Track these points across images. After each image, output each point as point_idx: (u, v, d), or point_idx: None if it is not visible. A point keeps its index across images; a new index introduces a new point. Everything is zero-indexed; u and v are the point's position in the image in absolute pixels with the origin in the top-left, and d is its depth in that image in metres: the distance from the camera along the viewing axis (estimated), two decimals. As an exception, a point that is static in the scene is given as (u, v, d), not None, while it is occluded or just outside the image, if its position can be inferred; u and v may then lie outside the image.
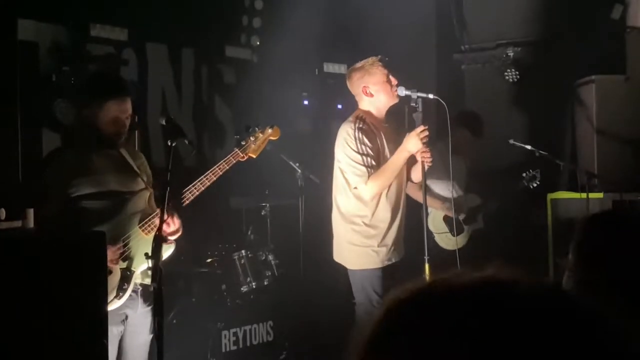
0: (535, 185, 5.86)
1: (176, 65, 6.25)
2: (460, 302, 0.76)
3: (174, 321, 4.79)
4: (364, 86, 4.63)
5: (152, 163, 4.16)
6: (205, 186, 3.86)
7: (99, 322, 3.01)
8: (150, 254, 3.38)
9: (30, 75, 4.97)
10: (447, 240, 5.60)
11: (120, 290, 3.70)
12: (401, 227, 4.71)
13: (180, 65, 6.28)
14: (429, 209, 5.29)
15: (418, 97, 4.38)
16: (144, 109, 5.78)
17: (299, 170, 5.64)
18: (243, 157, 4.06)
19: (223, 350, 4.95)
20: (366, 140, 4.51)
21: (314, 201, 5.63)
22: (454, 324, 0.74)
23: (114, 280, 3.65)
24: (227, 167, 3.95)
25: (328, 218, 4.77)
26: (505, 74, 7.14)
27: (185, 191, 3.81)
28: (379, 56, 4.65)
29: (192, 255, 5.15)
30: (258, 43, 6.68)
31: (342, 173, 4.60)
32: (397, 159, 4.53)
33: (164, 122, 3.69)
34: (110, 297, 3.57)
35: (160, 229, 3.40)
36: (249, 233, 5.64)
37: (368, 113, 4.64)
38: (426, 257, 4.34)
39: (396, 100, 4.64)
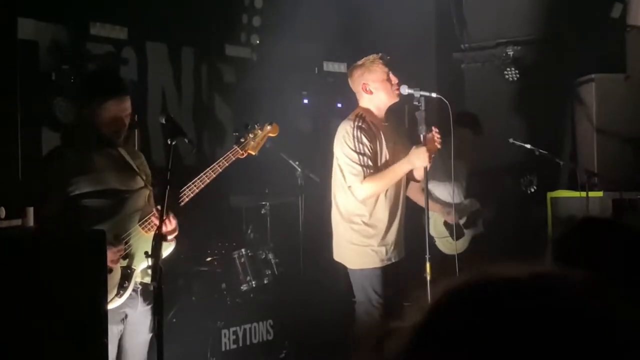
0: (532, 190, 5.87)
1: (176, 64, 6.24)
2: (513, 295, 0.77)
3: (174, 320, 4.79)
4: (364, 83, 4.62)
5: (152, 162, 4.16)
6: (205, 184, 3.86)
7: (99, 321, 3.00)
8: (150, 253, 3.38)
9: (30, 74, 4.97)
10: (448, 245, 5.60)
11: (121, 288, 3.69)
12: (401, 226, 4.70)
13: (180, 64, 6.28)
14: (431, 214, 5.28)
15: (421, 95, 4.36)
16: (143, 108, 5.78)
17: (299, 169, 5.64)
18: (242, 154, 4.04)
19: (223, 349, 4.95)
20: (364, 139, 4.50)
21: (313, 200, 5.63)
22: (507, 318, 0.74)
23: (114, 279, 3.65)
24: (227, 165, 3.94)
25: (328, 217, 4.77)
26: (505, 73, 7.14)
27: (183, 190, 3.80)
28: (380, 54, 4.65)
29: (192, 254, 5.14)
30: (258, 42, 6.67)
31: (341, 171, 4.59)
32: (399, 169, 4.51)
33: (163, 121, 3.69)
34: (110, 296, 3.56)
35: (160, 227, 3.40)
36: (249, 232, 5.64)
37: (368, 111, 4.63)
38: (427, 256, 4.33)
39: (396, 99, 4.63)
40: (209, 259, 5.28)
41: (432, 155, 4.46)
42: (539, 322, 0.73)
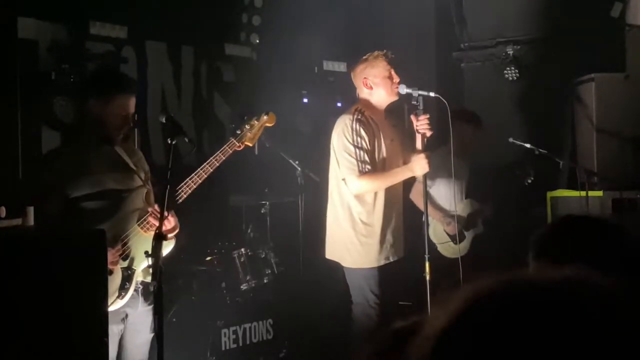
0: (529, 181, 5.86)
1: (176, 63, 6.24)
2: (543, 300, 0.75)
3: (174, 319, 4.79)
4: (365, 77, 4.64)
5: (151, 161, 4.15)
6: (202, 179, 3.80)
7: (100, 320, 3.00)
8: (150, 252, 3.37)
9: (30, 74, 4.96)
10: (449, 249, 5.60)
11: (122, 290, 3.68)
12: (399, 225, 4.69)
13: (180, 63, 6.28)
14: (431, 219, 5.28)
15: (419, 95, 4.38)
16: (143, 107, 5.78)
17: (299, 168, 5.64)
18: (239, 146, 3.99)
19: (223, 348, 4.95)
20: (363, 133, 4.49)
21: (313, 199, 5.63)
22: (537, 323, 0.73)
23: (115, 281, 3.63)
24: (223, 158, 3.88)
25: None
26: (505, 72, 7.15)
27: (181, 186, 3.75)
28: (385, 51, 4.66)
29: (192, 254, 5.14)
30: (257, 41, 6.67)
31: (337, 164, 4.58)
32: (399, 175, 4.54)
33: (164, 120, 3.68)
34: (112, 298, 3.56)
35: (160, 227, 3.39)
36: (249, 231, 5.64)
37: (367, 106, 4.63)
38: (427, 256, 4.33)
39: (396, 98, 4.64)
40: (208, 258, 5.28)
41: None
42: (570, 328, 0.72)
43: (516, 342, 0.72)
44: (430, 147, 4.60)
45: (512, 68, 7.10)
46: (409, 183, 5.01)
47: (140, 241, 3.73)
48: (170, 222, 3.68)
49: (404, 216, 4.79)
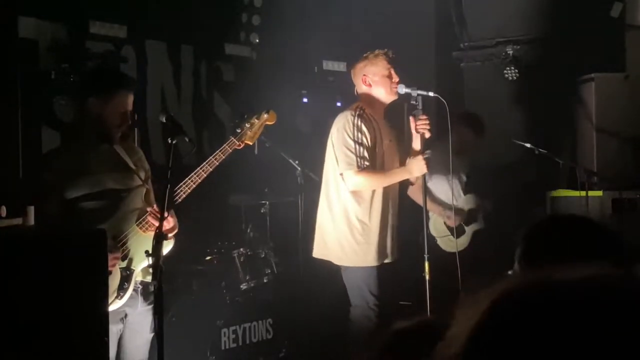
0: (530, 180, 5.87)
1: (175, 63, 6.24)
2: (578, 299, 0.75)
3: (173, 319, 4.78)
4: (364, 75, 4.64)
5: (151, 160, 4.14)
6: (202, 178, 3.79)
7: (100, 320, 3.00)
8: (150, 252, 3.36)
9: (30, 73, 4.96)
10: (449, 243, 5.60)
11: (121, 290, 3.68)
12: (395, 224, 4.68)
13: (180, 63, 6.27)
14: (430, 213, 5.28)
15: (418, 94, 4.37)
16: (143, 107, 5.77)
17: (299, 168, 5.64)
18: (239, 145, 3.97)
19: (222, 347, 4.95)
20: (364, 129, 4.48)
21: (313, 199, 5.62)
22: (567, 323, 0.73)
23: (114, 281, 3.62)
24: (223, 157, 3.86)
25: (327, 216, 4.76)
26: (505, 72, 7.15)
27: (180, 186, 3.73)
28: (385, 50, 4.66)
29: (192, 253, 5.14)
30: (257, 40, 6.67)
31: (336, 160, 4.57)
32: (397, 176, 4.54)
33: (164, 120, 3.67)
34: (111, 298, 3.55)
35: (160, 227, 3.38)
36: (249, 231, 5.63)
37: (367, 104, 4.62)
38: (426, 256, 4.33)
39: (395, 97, 4.63)
40: (208, 257, 5.28)
41: (428, 157, 4.46)
42: (600, 326, 0.71)
43: (547, 342, 0.72)
44: (428, 143, 4.59)
45: (512, 68, 7.11)
46: (405, 181, 5.01)
47: (139, 241, 3.72)
48: (170, 222, 3.66)
49: (401, 215, 4.77)
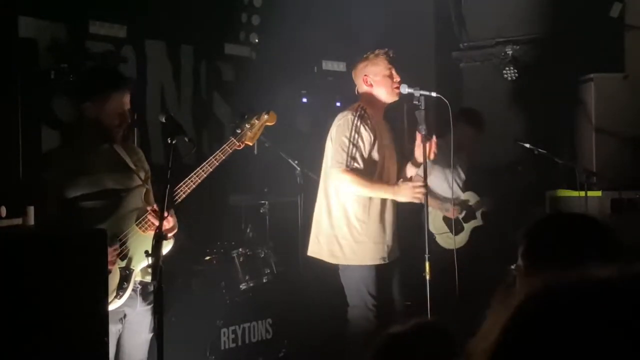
0: (531, 181, 5.87)
1: (175, 63, 6.24)
2: (608, 300, 0.75)
3: (173, 319, 4.78)
4: (365, 75, 4.64)
5: (151, 161, 4.14)
6: (202, 178, 3.77)
7: (100, 320, 3.00)
8: (150, 252, 3.36)
9: (30, 73, 4.96)
10: (448, 240, 5.61)
11: (121, 289, 3.67)
12: (394, 225, 4.67)
13: (179, 63, 6.28)
14: (430, 209, 5.27)
15: (421, 95, 4.35)
16: (142, 107, 5.78)
17: (298, 168, 5.64)
18: (239, 145, 3.95)
19: (222, 347, 4.95)
20: (362, 130, 4.47)
21: (312, 199, 5.62)
22: (595, 321, 0.73)
23: (113, 280, 3.62)
24: (223, 157, 3.84)
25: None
26: (504, 72, 7.15)
27: (180, 186, 3.71)
28: (386, 50, 4.66)
29: (191, 253, 5.14)
30: (257, 40, 6.68)
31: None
32: (381, 191, 4.51)
33: (164, 120, 3.67)
34: (110, 298, 3.55)
35: (160, 227, 3.38)
36: (248, 231, 5.64)
37: (368, 104, 4.62)
38: (427, 256, 4.33)
39: (396, 98, 4.63)
40: (208, 258, 5.28)
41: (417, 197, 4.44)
42: (626, 324, 0.72)
43: (574, 340, 0.73)
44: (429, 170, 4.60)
45: (511, 68, 7.11)
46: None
47: (139, 241, 3.72)
48: (169, 221, 3.66)
49: (399, 215, 4.77)
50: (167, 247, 3.69)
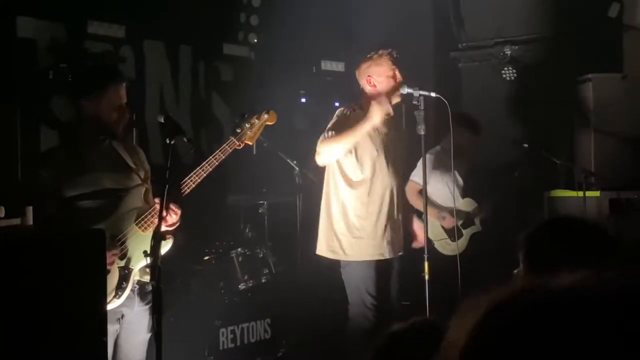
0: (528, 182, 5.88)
1: (174, 63, 6.24)
2: (568, 304, 0.75)
3: (171, 319, 4.78)
4: (369, 76, 4.63)
5: (150, 161, 4.14)
6: (201, 177, 3.78)
7: (99, 320, 3.00)
8: (148, 252, 3.36)
9: (29, 73, 4.96)
10: (446, 246, 5.60)
11: (119, 289, 3.67)
12: (396, 222, 4.67)
13: (178, 63, 6.27)
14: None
15: (420, 95, 4.34)
16: (141, 107, 5.78)
17: (297, 168, 5.64)
18: (239, 144, 3.96)
19: (221, 347, 4.95)
20: (351, 120, 4.44)
21: (311, 199, 5.63)
22: (563, 326, 0.73)
23: (112, 280, 3.62)
24: (223, 157, 3.85)
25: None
26: (503, 72, 7.16)
27: (183, 182, 3.74)
28: (390, 50, 4.65)
29: (190, 253, 5.14)
30: (256, 40, 6.68)
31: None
32: (359, 128, 4.37)
33: (162, 120, 3.67)
34: (109, 297, 3.55)
35: (159, 226, 3.38)
36: (247, 231, 5.64)
37: (369, 104, 4.61)
38: (426, 256, 4.33)
39: (398, 100, 4.61)
40: (206, 257, 5.28)
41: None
42: (592, 330, 0.72)
43: (543, 345, 0.72)
44: (427, 147, 4.59)
45: (510, 68, 7.12)
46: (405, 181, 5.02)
47: (138, 240, 3.71)
48: (177, 213, 3.67)
49: (403, 215, 4.78)
50: (165, 247, 3.68)
